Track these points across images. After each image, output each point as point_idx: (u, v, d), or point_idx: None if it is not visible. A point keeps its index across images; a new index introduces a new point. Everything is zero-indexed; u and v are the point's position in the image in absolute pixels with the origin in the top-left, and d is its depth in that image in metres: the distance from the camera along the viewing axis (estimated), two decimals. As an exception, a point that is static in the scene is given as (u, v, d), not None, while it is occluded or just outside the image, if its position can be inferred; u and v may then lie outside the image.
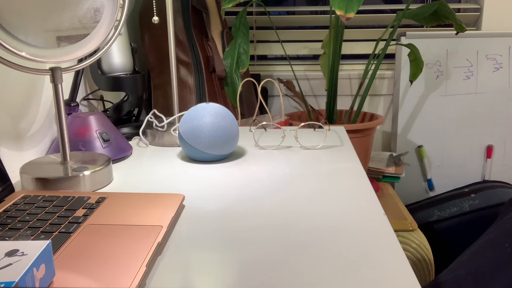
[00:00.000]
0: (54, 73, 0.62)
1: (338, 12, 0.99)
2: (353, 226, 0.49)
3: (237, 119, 1.15)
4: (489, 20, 1.58)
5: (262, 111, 1.57)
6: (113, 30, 0.66)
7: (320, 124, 0.90)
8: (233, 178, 0.66)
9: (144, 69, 1.35)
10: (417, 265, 1.22)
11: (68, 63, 0.77)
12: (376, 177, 1.45)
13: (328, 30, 1.57)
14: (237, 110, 1.25)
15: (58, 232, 0.46)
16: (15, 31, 0.56)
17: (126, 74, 0.91)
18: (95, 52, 0.67)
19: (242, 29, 1.26)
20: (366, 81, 1.58)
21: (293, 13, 1.68)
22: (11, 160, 0.70)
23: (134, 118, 0.98)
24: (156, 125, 0.87)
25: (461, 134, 1.62)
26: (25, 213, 0.50)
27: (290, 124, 1.30)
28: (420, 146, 1.63)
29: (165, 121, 0.86)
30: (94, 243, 0.43)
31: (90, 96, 1.00)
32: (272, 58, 1.74)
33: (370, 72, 1.58)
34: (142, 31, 1.22)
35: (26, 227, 0.47)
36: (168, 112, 1.19)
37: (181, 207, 0.55)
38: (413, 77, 1.37)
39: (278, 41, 1.67)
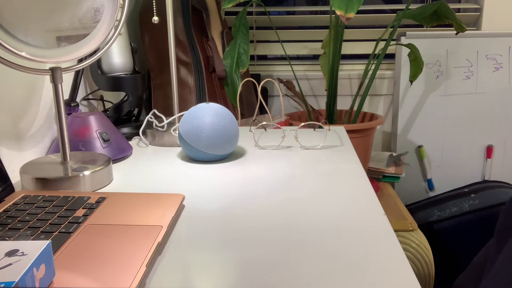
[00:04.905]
0: (54, 73, 0.62)
1: (338, 12, 0.99)
2: (353, 226, 0.49)
3: (237, 119, 1.15)
4: (489, 20, 1.58)
5: (262, 111, 1.57)
6: (113, 30, 0.66)
7: (320, 124, 0.90)
8: (233, 178, 0.66)
9: (144, 69, 1.35)
10: (417, 265, 1.22)
11: (68, 63, 0.77)
12: (376, 177, 1.45)
13: (328, 30, 1.57)
14: (237, 110, 1.25)
15: (58, 232, 0.46)
16: (15, 31, 0.56)
17: (126, 74, 0.91)
18: (95, 52, 0.67)
19: (242, 29, 1.26)
20: (366, 81, 1.58)
21: (293, 13, 1.68)
22: (11, 160, 0.70)
23: (134, 118, 0.98)
24: (156, 125, 0.87)
25: (461, 134, 1.62)
26: (25, 213, 0.50)
27: (290, 124, 1.30)
28: (420, 146, 1.63)
29: (165, 121, 0.86)
30: (94, 243, 0.43)
31: (90, 96, 1.00)
32: (272, 58, 1.74)
33: (370, 72, 1.58)
34: (142, 31, 1.22)
35: (26, 227, 0.47)
36: (168, 112, 1.19)
37: (181, 207, 0.55)
38: (413, 77, 1.37)
39: (278, 41, 1.67)
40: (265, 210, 0.54)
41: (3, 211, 0.51)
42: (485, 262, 0.95)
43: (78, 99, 0.93)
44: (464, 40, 1.56)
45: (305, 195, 0.59)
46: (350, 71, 1.64)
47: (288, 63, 1.68)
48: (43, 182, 0.60)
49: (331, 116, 1.39)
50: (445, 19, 1.30)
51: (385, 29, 1.58)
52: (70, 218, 0.49)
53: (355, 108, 1.61)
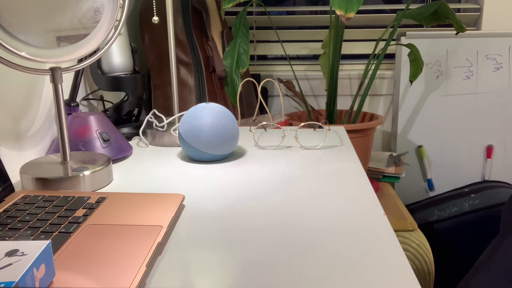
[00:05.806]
0: (54, 73, 0.62)
1: (338, 12, 0.99)
2: (353, 226, 0.49)
3: (237, 119, 1.15)
4: (489, 20, 1.58)
5: (262, 111, 1.57)
6: (113, 30, 0.66)
7: (320, 124, 0.90)
8: (233, 178, 0.66)
9: (144, 69, 1.35)
10: (417, 265, 1.22)
11: (68, 63, 0.77)
12: (376, 177, 1.45)
13: (328, 30, 1.57)
14: (237, 110, 1.25)
15: (58, 232, 0.46)
16: (15, 31, 0.56)
17: (126, 74, 0.91)
18: (95, 52, 0.67)
19: (242, 29, 1.26)
20: (366, 81, 1.58)
21: (293, 13, 1.68)
22: (11, 160, 0.70)
23: (134, 118, 0.98)
24: (156, 125, 0.87)
25: (461, 134, 1.62)
26: (25, 213, 0.50)
27: (290, 124, 1.30)
28: (420, 146, 1.63)
29: (165, 121, 0.86)
30: (94, 243, 0.43)
31: (90, 96, 1.00)
32: (272, 58, 1.74)
33: (370, 72, 1.58)
34: (142, 31, 1.22)
35: (26, 227, 0.47)
36: (168, 112, 1.19)
37: (181, 207, 0.55)
38: (413, 77, 1.37)
39: (278, 41, 1.67)
40: (265, 210, 0.54)
41: (3, 211, 0.51)
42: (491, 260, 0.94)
43: (78, 99, 0.93)
44: (464, 40, 1.56)
45: (305, 195, 0.59)
46: (350, 71, 1.64)
47: (288, 63, 1.68)
48: (43, 182, 0.60)
49: (331, 116, 1.39)
50: (445, 19, 1.30)
51: (385, 29, 1.58)
52: (70, 218, 0.49)
53: (355, 108, 1.61)
